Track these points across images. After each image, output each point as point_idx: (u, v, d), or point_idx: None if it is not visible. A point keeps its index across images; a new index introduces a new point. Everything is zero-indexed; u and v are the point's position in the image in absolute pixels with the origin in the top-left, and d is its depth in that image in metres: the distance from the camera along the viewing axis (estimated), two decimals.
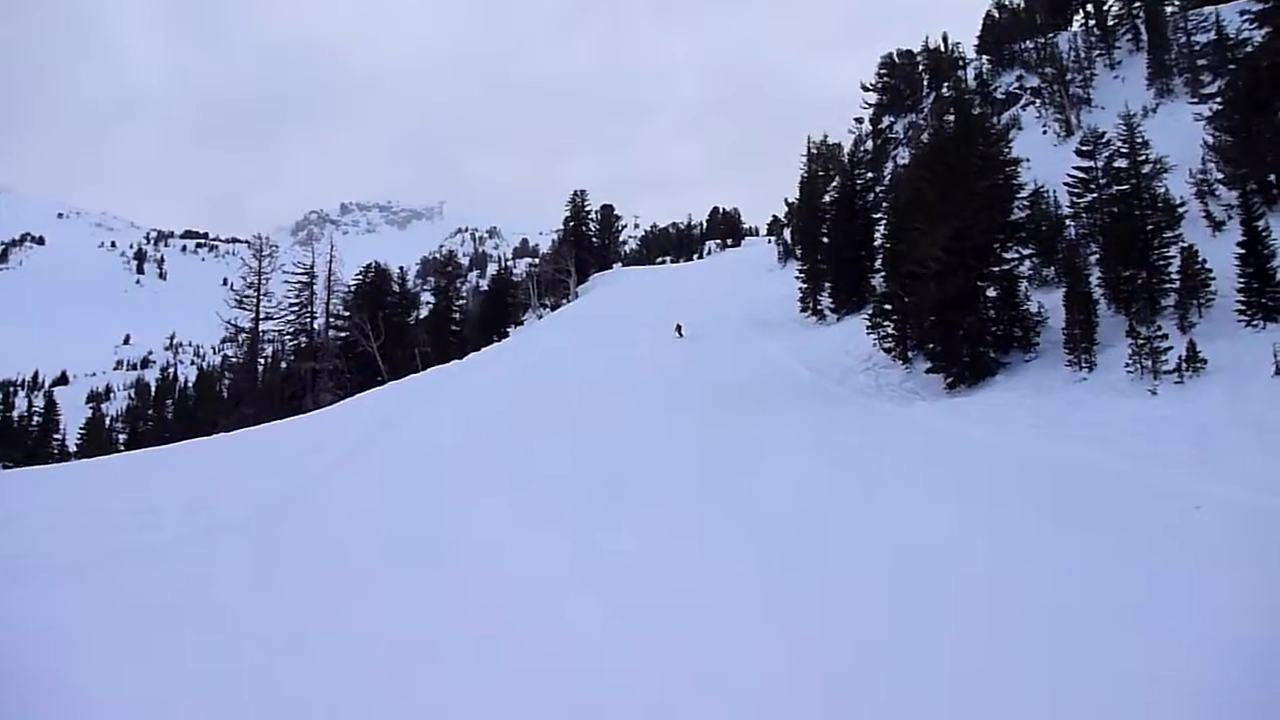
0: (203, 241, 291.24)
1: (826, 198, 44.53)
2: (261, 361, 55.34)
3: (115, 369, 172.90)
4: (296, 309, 54.14)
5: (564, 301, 67.47)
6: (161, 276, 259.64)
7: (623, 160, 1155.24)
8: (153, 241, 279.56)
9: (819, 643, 8.23)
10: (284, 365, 55.57)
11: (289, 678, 8.33)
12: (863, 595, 9.55)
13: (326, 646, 9.07)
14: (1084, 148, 23.38)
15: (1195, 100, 28.84)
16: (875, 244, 35.90)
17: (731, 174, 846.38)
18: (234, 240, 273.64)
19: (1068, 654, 7.43)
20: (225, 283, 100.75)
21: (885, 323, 27.31)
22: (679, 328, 39.97)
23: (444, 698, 7.67)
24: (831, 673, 7.54)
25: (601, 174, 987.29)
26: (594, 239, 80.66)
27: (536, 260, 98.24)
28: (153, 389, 78.60)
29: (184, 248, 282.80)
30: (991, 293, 23.03)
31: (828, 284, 38.81)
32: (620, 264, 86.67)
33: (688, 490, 15.67)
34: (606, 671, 7.98)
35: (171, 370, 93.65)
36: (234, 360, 59.79)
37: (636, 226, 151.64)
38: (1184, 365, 16.75)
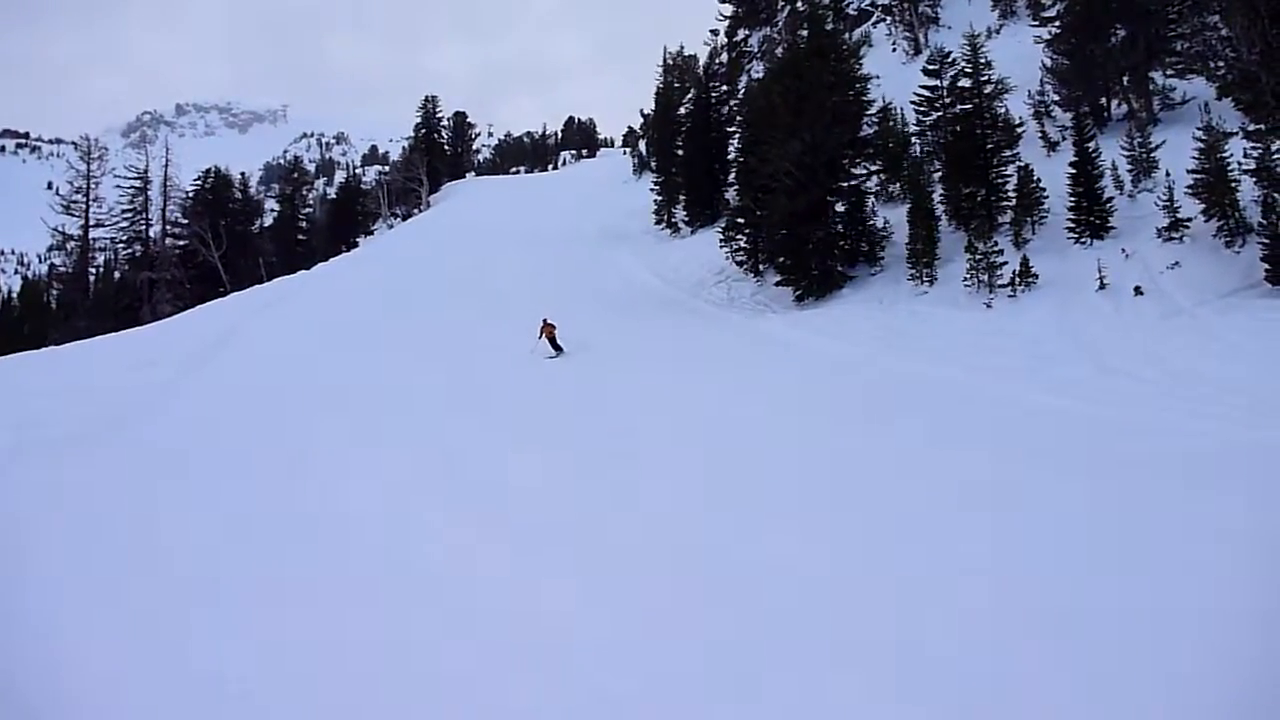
0: (23, 142, 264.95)
1: (682, 110, 44.07)
2: (93, 271, 51.79)
3: None
4: (130, 216, 50.32)
5: (415, 211, 65.06)
6: None
7: (495, 50, 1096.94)
8: None
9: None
10: (118, 275, 51.98)
11: (107, 587, 8.58)
12: (708, 486, 10.42)
13: (145, 561, 8.91)
14: (930, 67, 23.81)
15: (1036, 23, 29.68)
16: (729, 157, 35.87)
17: (606, 75, 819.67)
18: (58, 141, 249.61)
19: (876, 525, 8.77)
20: (50, 187, 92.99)
21: (738, 236, 27.42)
22: (550, 337, 20.58)
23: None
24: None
25: (471, 63, 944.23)
26: (446, 147, 77.76)
27: (387, 168, 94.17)
28: None
29: (2, 148, 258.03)
30: (840, 207, 23.46)
31: (682, 197, 38.63)
32: (473, 173, 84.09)
33: (533, 397, 16.08)
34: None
35: None
36: (63, 270, 55.43)
37: (490, 135, 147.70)
38: (1017, 280, 17.55)
